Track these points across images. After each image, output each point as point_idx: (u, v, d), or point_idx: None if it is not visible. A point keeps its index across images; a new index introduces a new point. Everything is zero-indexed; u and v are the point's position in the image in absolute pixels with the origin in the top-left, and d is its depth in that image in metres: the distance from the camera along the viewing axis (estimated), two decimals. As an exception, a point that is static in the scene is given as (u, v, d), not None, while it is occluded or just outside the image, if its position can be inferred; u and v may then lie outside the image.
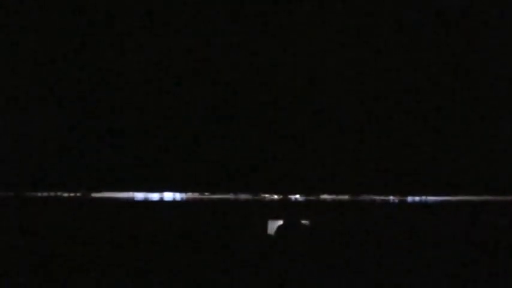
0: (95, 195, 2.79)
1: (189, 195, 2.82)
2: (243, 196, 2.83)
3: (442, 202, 2.85)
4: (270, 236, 2.81)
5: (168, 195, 2.81)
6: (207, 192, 2.82)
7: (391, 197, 2.86)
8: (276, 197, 2.84)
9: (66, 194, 2.78)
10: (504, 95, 2.89)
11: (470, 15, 2.88)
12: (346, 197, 2.85)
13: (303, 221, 2.82)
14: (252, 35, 2.84)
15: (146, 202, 2.80)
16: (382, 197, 2.85)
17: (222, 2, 2.82)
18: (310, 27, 2.86)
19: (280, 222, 2.83)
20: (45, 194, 2.77)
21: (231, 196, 2.82)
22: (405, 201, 2.86)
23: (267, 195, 2.84)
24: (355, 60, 2.87)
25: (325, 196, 2.84)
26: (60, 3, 2.78)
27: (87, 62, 2.81)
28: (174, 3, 2.81)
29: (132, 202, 2.79)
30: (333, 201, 2.84)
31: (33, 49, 2.80)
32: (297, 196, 2.85)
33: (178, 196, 2.82)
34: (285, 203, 2.84)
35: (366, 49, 2.87)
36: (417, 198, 2.86)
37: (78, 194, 2.78)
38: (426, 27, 2.87)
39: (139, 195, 2.80)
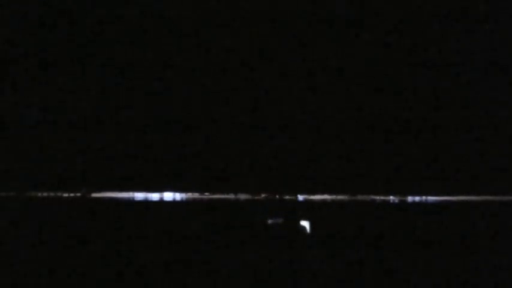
0: (95, 195, 2.79)
1: (189, 195, 2.82)
2: (243, 196, 2.83)
3: (442, 202, 2.85)
4: (269, 235, 2.81)
5: (168, 195, 2.81)
6: (207, 192, 2.82)
7: (391, 197, 2.86)
8: (275, 197, 2.84)
9: (66, 194, 2.78)
10: (504, 94, 2.89)
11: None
12: (346, 197, 2.85)
13: (303, 221, 2.82)
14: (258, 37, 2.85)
15: (146, 202, 2.80)
16: (382, 197, 2.85)
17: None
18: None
19: (281, 222, 2.83)
20: (45, 194, 2.77)
21: (231, 196, 2.82)
22: (405, 201, 2.86)
23: (267, 195, 2.84)
24: (354, 58, 2.87)
25: (325, 196, 2.85)
26: None
27: (91, 60, 2.82)
28: None
29: (132, 202, 2.80)
30: (333, 201, 2.84)
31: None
32: (297, 196, 2.85)
33: (178, 196, 2.82)
34: (285, 203, 2.84)
35: (366, 47, 2.87)
36: (417, 198, 2.86)
37: (78, 194, 2.79)
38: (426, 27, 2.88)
39: (139, 195, 2.80)
